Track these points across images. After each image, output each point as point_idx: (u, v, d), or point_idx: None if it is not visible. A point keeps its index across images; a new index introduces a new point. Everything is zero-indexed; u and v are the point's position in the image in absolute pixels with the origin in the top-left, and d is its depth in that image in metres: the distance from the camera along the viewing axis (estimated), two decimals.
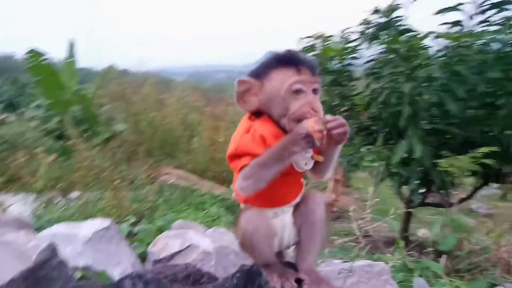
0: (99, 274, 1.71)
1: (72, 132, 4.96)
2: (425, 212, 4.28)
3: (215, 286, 1.17)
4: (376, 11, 3.18)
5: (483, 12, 2.82)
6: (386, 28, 3.15)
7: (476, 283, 1.97)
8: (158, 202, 3.84)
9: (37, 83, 6.82)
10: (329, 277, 1.49)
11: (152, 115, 6.94)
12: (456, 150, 2.62)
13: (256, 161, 1.06)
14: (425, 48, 2.95)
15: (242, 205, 1.23)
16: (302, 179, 1.25)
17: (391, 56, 3.04)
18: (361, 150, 3.39)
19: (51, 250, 1.36)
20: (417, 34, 2.99)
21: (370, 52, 3.32)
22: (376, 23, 3.22)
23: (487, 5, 2.78)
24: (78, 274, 1.68)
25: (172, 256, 1.83)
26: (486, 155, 2.35)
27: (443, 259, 2.16)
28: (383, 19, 3.18)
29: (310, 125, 1.00)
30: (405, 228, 3.34)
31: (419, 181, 3.00)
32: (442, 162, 2.52)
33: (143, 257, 2.07)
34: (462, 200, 3.28)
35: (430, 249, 2.38)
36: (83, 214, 3.20)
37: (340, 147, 1.13)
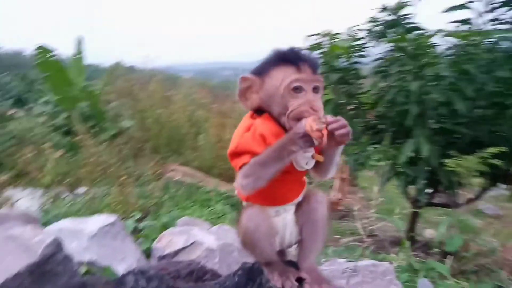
0: (104, 269, 1.73)
1: (79, 128, 5.00)
2: (432, 213, 4.24)
3: (216, 284, 1.17)
4: (384, 9, 3.15)
5: (492, 10, 2.77)
6: (394, 26, 3.11)
7: (482, 285, 1.95)
8: (163, 199, 3.87)
9: (45, 79, 6.87)
10: (333, 276, 1.49)
11: (159, 112, 6.94)
12: (464, 150, 2.59)
13: (255, 160, 1.06)
14: (433, 46, 2.91)
15: (244, 203, 1.23)
16: (304, 178, 1.24)
17: (398, 55, 3.00)
18: (368, 149, 3.36)
19: (56, 245, 1.38)
20: (425, 32, 2.95)
21: (377, 50, 3.29)
22: (383, 21, 3.19)
23: (497, 3, 2.74)
24: (83, 269, 1.70)
25: (177, 252, 1.84)
26: (494, 156, 2.32)
27: (449, 260, 2.14)
28: (391, 17, 3.14)
29: (309, 124, 0.98)
30: (411, 228, 3.31)
31: (426, 181, 2.96)
32: (450, 162, 2.49)
33: (148, 253, 2.09)
34: (470, 201, 3.24)
35: (436, 249, 2.36)
36: (90, 209, 3.24)
37: (341, 148, 1.12)
